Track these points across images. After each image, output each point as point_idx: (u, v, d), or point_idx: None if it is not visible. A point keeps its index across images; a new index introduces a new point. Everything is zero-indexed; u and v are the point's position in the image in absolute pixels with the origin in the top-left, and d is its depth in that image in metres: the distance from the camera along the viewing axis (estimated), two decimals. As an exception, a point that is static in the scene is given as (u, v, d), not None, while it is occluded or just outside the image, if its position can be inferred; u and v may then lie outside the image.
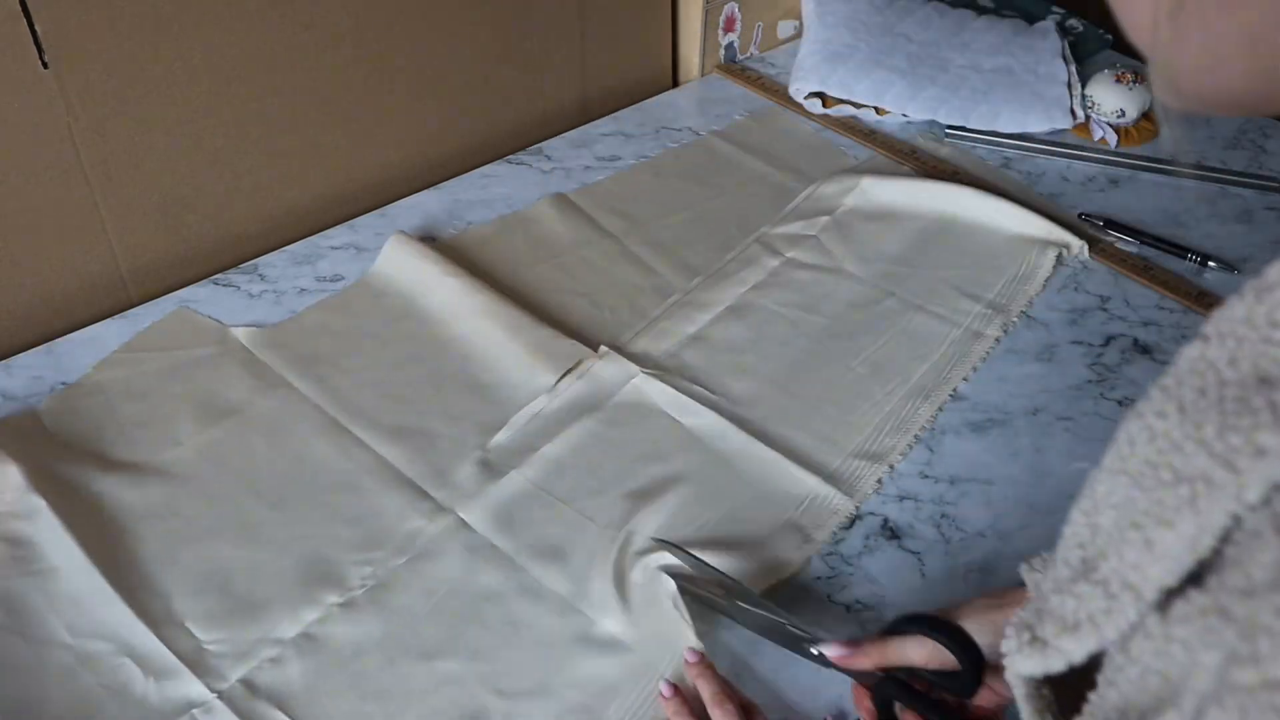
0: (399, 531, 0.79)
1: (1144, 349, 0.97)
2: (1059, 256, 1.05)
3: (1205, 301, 1.01)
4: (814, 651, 0.66)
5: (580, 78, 1.23)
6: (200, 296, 0.97)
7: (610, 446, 0.85)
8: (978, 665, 0.61)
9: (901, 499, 0.83)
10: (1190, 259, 1.06)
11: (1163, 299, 1.02)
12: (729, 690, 0.66)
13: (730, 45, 1.32)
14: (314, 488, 0.81)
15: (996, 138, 1.21)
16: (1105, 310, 1.01)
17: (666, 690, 0.68)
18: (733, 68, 1.32)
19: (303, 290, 0.99)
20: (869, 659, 0.64)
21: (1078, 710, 0.39)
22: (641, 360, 0.92)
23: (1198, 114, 0.36)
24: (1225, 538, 0.33)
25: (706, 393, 0.90)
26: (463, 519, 0.79)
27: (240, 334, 0.93)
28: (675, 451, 0.85)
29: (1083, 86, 1.24)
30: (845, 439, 0.87)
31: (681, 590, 0.71)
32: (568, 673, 0.71)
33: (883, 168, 1.17)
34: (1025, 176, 1.18)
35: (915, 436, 0.88)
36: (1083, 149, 1.20)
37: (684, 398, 0.89)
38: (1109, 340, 0.98)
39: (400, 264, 0.99)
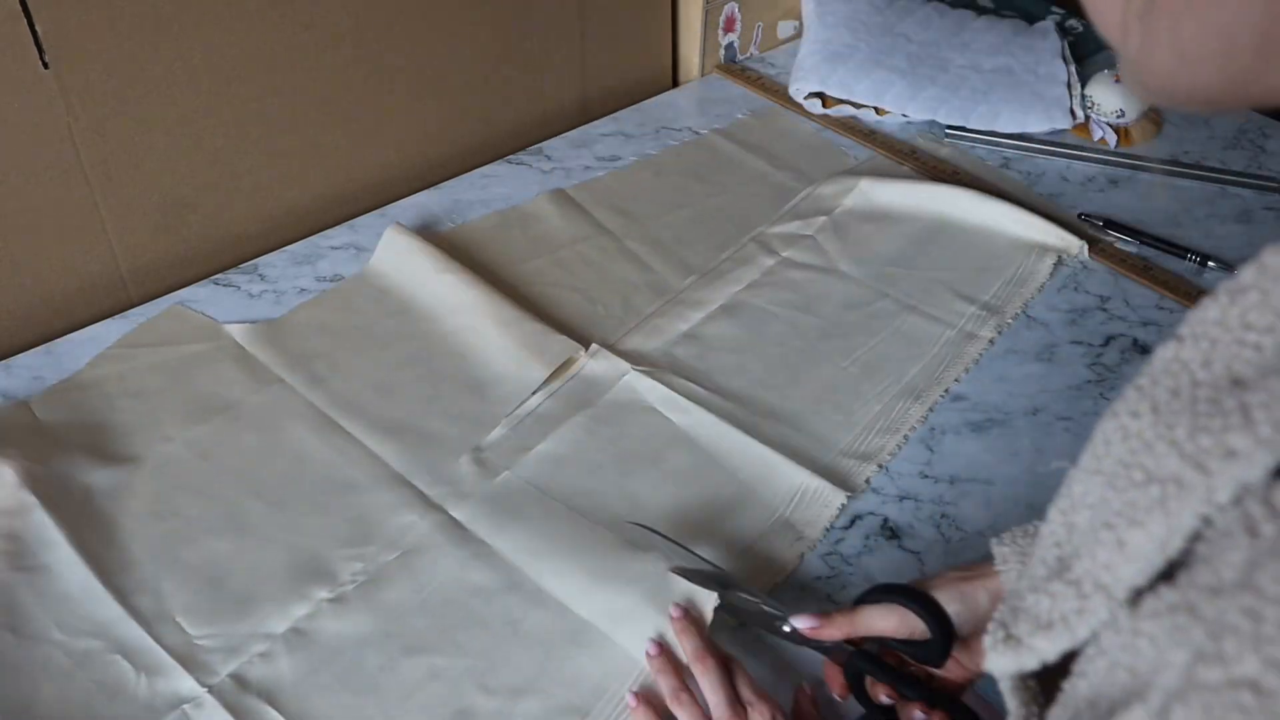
0: (390, 528, 0.79)
1: (1144, 349, 0.97)
2: (1058, 260, 1.05)
3: (1204, 302, 1.01)
4: (786, 629, 0.67)
5: (580, 78, 1.23)
6: (200, 296, 0.98)
7: (602, 444, 0.86)
8: (947, 633, 0.62)
9: (901, 499, 0.83)
10: (1190, 259, 1.06)
11: (1162, 299, 1.02)
12: (710, 646, 0.67)
13: (730, 45, 1.32)
14: (306, 484, 0.82)
15: (996, 138, 1.21)
16: (1105, 310, 1.01)
17: (652, 649, 0.68)
18: (733, 68, 1.32)
19: (303, 290, 0.99)
20: (839, 629, 0.65)
21: None
22: (634, 357, 0.93)
23: (1168, 108, 0.36)
24: (1196, 536, 0.33)
25: (698, 389, 0.90)
26: (454, 516, 0.80)
27: (234, 330, 0.93)
28: (666, 449, 0.85)
29: (1082, 86, 1.24)
30: (836, 438, 0.87)
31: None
32: (556, 670, 0.71)
33: (882, 168, 1.17)
34: (1025, 176, 1.17)
35: (905, 436, 0.88)
36: (1082, 149, 1.20)
37: (675, 395, 0.89)
38: (1109, 340, 0.98)
39: (395, 260, 1.00)
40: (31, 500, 0.76)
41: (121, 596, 0.73)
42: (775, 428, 0.87)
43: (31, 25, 0.84)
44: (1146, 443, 0.36)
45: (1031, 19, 1.33)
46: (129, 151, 0.93)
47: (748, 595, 0.70)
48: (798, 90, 1.25)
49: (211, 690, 0.69)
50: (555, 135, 1.20)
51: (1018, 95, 1.22)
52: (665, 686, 0.67)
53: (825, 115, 1.24)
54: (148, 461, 0.82)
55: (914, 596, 0.63)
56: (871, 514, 0.82)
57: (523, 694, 0.70)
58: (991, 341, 0.96)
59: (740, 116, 1.24)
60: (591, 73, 1.23)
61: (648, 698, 0.68)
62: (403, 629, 0.73)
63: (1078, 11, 1.39)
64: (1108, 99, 1.20)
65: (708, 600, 0.69)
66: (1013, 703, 0.44)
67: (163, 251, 0.99)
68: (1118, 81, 1.20)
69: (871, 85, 1.23)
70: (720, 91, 1.29)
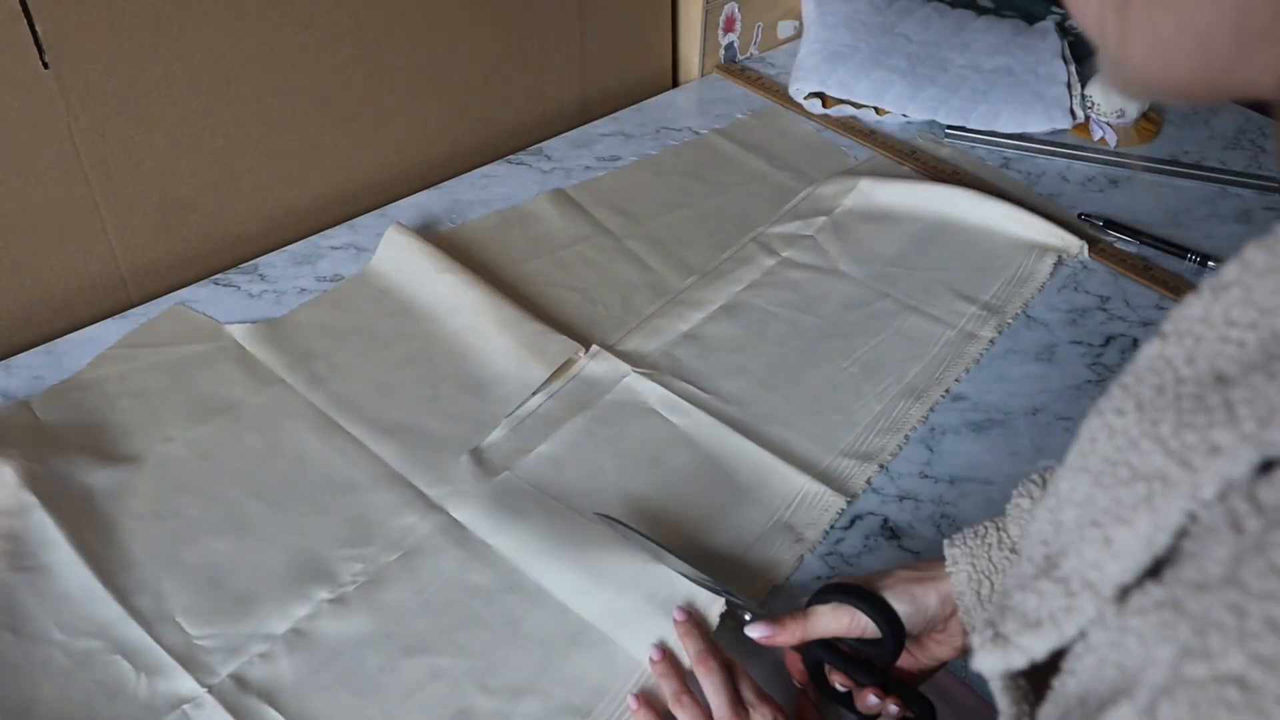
0: (390, 528, 0.79)
1: (1142, 349, 0.97)
2: (1058, 260, 1.05)
3: (1204, 302, 1.01)
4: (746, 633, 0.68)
5: (580, 78, 1.23)
6: (200, 296, 0.98)
7: (602, 445, 0.86)
8: (897, 632, 0.64)
9: (901, 499, 0.83)
10: (1190, 259, 1.06)
11: (1162, 299, 1.02)
12: (714, 649, 0.67)
13: (730, 45, 1.32)
14: (306, 484, 0.82)
15: (996, 138, 1.21)
16: (1105, 310, 1.01)
17: (655, 654, 0.69)
18: (733, 68, 1.32)
19: (303, 290, 0.99)
20: (791, 635, 0.67)
21: None
22: (634, 358, 0.93)
23: (1146, 100, 0.37)
24: (1182, 533, 0.33)
25: (698, 391, 0.90)
26: (455, 517, 0.80)
27: (235, 331, 0.93)
28: (666, 450, 0.85)
29: (1082, 86, 1.24)
30: (836, 438, 0.87)
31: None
32: (557, 671, 0.71)
33: (882, 168, 1.17)
34: (1025, 176, 1.17)
35: (906, 436, 0.88)
36: (1082, 149, 1.20)
37: (675, 397, 0.89)
38: (1109, 340, 0.98)
39: (396, 259, 1.00)
40: (32, 500, 0.76)
41: (122, 596, 0.73)
42: (775, 429, 0.87)
43: (31, 25, 0.84)
44: (1132, 440, 0.36)
45: (1031, 19, 1.33)
46: (129, 151, 0.93)
47: (711, 589, 0.71)
48: (798, 90, 1.25)
49: (211, 690, 0.69)
50: (555, 135, 1.20)
51: (1018, 95, 1.22)
52: (667, 690, 0.67)
53: (825, 115, 1.24)
54: (148, 461, 0.82)
55: (864, 597, 0.64)
56: (872, 514, 0.82)
57: (523, 694, 0.70)
58: (992, 341, 0.96)
59: (740, 116, 1.25)
60: (591, 73, 1.23)
61: (649, 700, 0.68)
62: (403, 629, 0.73)
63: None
64: (1108, 99, 1.20)
65: (712, 603, 0.69)
66: (1003, 701, 0.44)
67: (163, 251, 0.99)
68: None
69: (871, 85, 1.23)
70: (720, 91, 1.29)
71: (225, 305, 0.97)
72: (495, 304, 0.95)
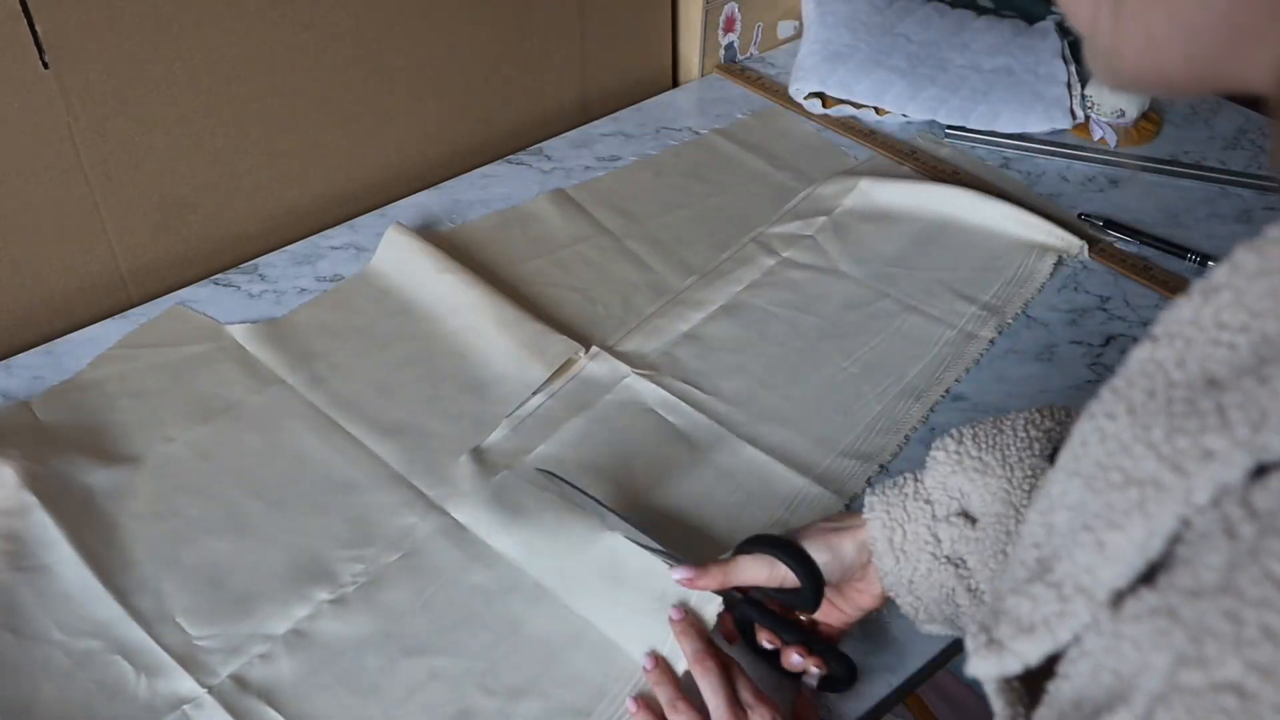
0: (391, 528, 0.79)
1: (1142, 349, 0.97)
2: (1058, 260, 1.05)
3: (1204, 302, 1.01)
4: (675, 578, 0.70)
5: (580, 78, 1.23)
6: (200, 296, 0.98)
7: (601, 445, 0.86)
8: (816, 581, 0.66)
9: (897, 499, 0.83)
10: (1190, 259, 1.06)
11: (1162, 299, 1.02)
12: (711, 649, 0.67)
13: (730, 45, 1.32)
14: (306, 484, 0.82)
15: (996, 138, 1.21)
16: (1105, 310, 1.01)
17: (649, 663, 0.69)
18: (733, 68, 1.32)
19: (303, 290, 0.99)
20: (713, 580, 0.68)
21: None
22: (634, 358, 0.93)
23: (1133, 94, 0.38)
24: (1176, 538, 0.33)
25: (697, 392, 0.90)
26: (455, 517, 0.80)
27: (235, 331, 0.93)
28: (666, 451, 0.85)
29: (1083, 86, 1.24)
30: (836, 438, 0.87)
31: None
32: (557, 671, 0.71)
33: (882, 168, 1.17)
34: (1025, 176, 1.17)
35: (906, 437, 0.88)
36: (1082, 149, 1.20)
37: (674, 398, 0.89)
38: (1109, 340, 0.98)
39: (396, 260, 1.00)
40: (32, 500, 0.76)
41: (122, 597, 0.73)
42: (775, 430, 0.87)
43: (31, 25, 0.84)
44: (1124, 444, 0.36)
45: (1031, 19, 1.33)
46: (129, 151, 0.93)
47: (642, 542, 0.73)
48: (798, 90, 1.25)
49: (212, 691, 0.69)
50: (555, 135, 1.20)
51: (1018, 95, 1.22)
52: (663, 697, 0.67)
53: (825, 115, 1.24)
54: (148, 462, 0.82)
55: (784, 548, 0.67)
56: (872, 514, 0.82)
57: (523, 695, 0.70)
58: (992, 341, 0.96)
59: (740, 116, 1.24)
60: (591, 73, 1.23)
61: (648, 702, 0.68)
62: (403, 630, 0.73)
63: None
64: (1108, 99, 1.20)
65: (709, 603, 0.69)
66: (998, 704, 0.44)
67: (163, 251, 0.99)
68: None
69: (871, 85, 1.23)
70: (720, 91, 1.29)
71: (225, 305, 0.97)
72: (495, 304, 0.95)
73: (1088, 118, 1.22)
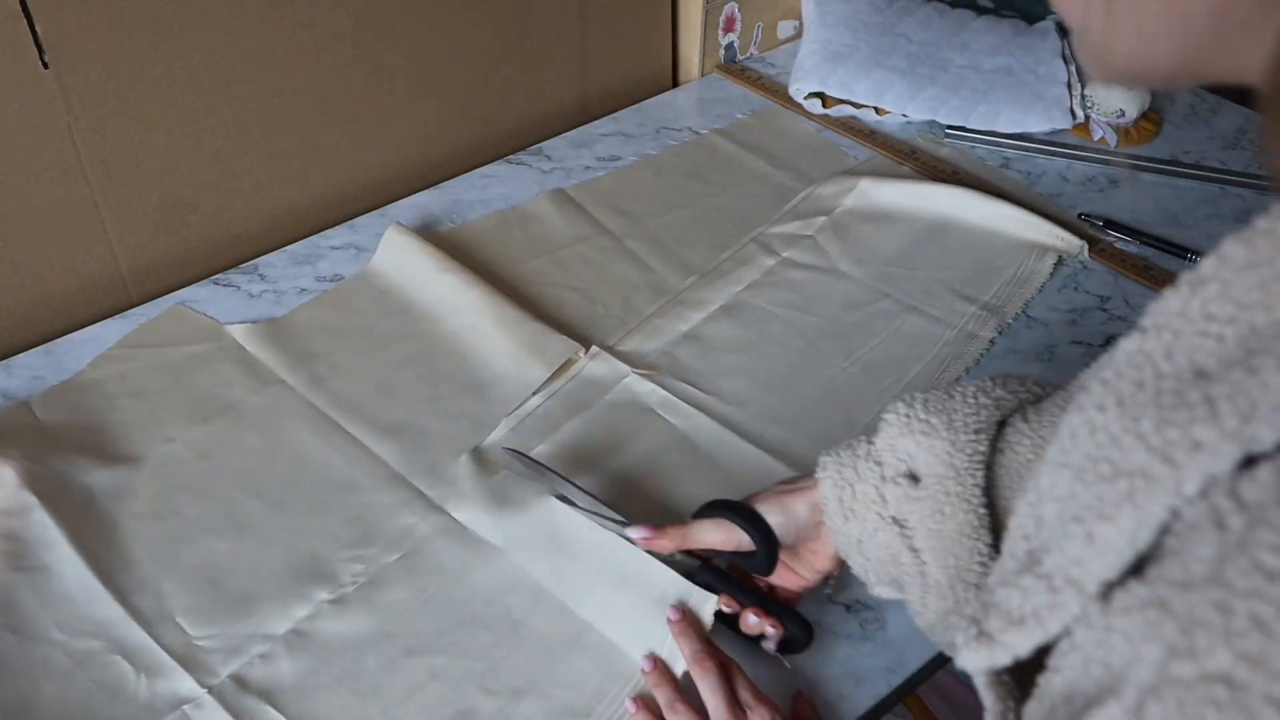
0: (391, 528, 0.79)
1: (1141, 349, 0.97)
2: (1058, 260, 1.05)
3: (1204, 302, 1.01)
4: (630, 538, 0.71)
5: (580, 78, 1.23)
6: (200, 296, 0.98)
7: (601, 446, 0.86)
8: (770, 543, 0.68)
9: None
10: (1190, 259, 1.06)
11: (1162, 299, 1.02)
12: (710, 649, 0.67)
13: (730, 45, 1.32)
14: (306, 484, 0.82)
15: (996, 138, 1.21)
16: (1105, 310, 1.01)
17: (647, 664, 0.69)
18: (733, 68, 1.32)
19: (303, 290, 0.99)
20: (670, 542, 0.70)
21: None
22: (634, 358, 0.93)
23: (1125, 84, 0.38)
24: (1165, 530, 0.33)
25: (698, 393, 0.90)
26: (455, 517, 0.80)
27: (235, 331, 0.93)
28: (665, 452, 0.85)
29: (1082, 86, 1.23)
30: (836, 438, 0.86)
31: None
32: (557, 672, 0.71)
33: (882, 168, 1.17)
34: (1025, 176, 1.17)
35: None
36: (1082, 149, 1.20)
37: (674, 398, 0.89)
38: (1109, 340, 0.98)
39: (396, 260, 1.00)
40: (32, 500, 0.76)
41: (122, 597, 0.73)
42: (775, 430, 0.87)
43: (31, 25, 0.84)
44: (1113, 436, 0.36)
45: (1031, 19, 1.33)
46: (129, 151, 0.93)
47: (600, 511, 0.74)
48: (798, 90, 1.25)
49: (212, 691, 0.69)
50: (555, 135, 1.20)
51: (1018, 95, 1.22)
52: (661, 699, 0.67)
53: (825, 115, 1.24)
54: (148, 462, 0.82)
55: (739, 511, 0.68)
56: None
57: (523, 695, 0.70)
58: (992, 341, 0.96)
59: (740, 116, 1.25)
60: (591, 73, 1.23)
61: (647, 703, 0.68)
62: (403, 630, 0.73)
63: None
64: (1108, 99, 1.20)
65: (707, 603, 0.69)
66: (989, 698, 0.44)
67: (163, 251, 0.99)
68: (1118, 81, 1.20)
69: (871, 85, 1.23)
70: (720, 91, 1.29)
71: (225, 305, 0.97)
72: (495, 304, 0.95)
73: (1088, 118, 1.22)
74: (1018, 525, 0.42)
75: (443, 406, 0.88)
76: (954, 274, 1.03)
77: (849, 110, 1.24)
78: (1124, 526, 0.34)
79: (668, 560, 0.71)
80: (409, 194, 1.11)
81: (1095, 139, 1.21)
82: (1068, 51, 1.27)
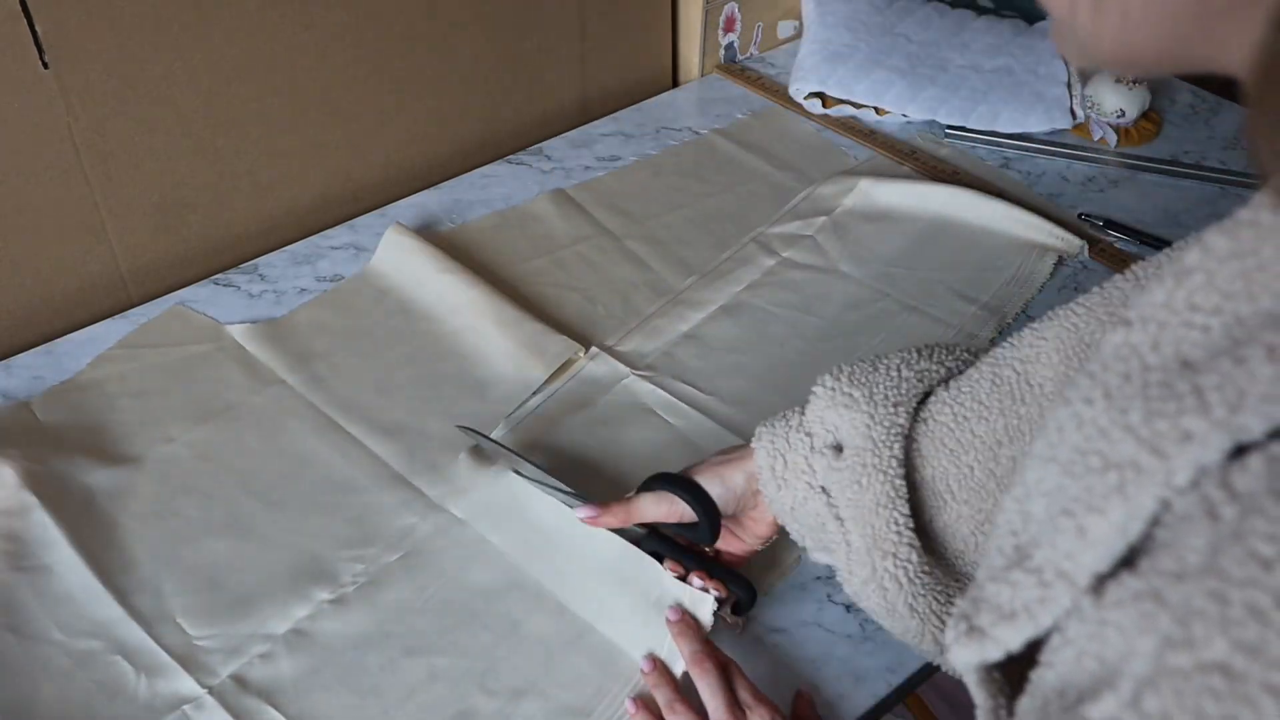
0: (391, 528, 0.79)
1: (1141, 349, 0.96)
2: (1059, 260, 1.05)
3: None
4: (579, 519, 0.73)
5: (580, 78, 1.23)
6: (200, 296, 0.98)
7: (601, 446, 0.86)
8: (712, 513, 0.70)
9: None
10: (1190, 259, 1.06)
11: (1162, 299, 1.02)
12: (709, 649, 0.67)
13: (730, 45, 1.32)
14: (307, 484, 0.82)
15: (996, 138, 1.21)
16: (1104, 310, 1.01)
17: (646, 665, 0.69)
18: (733, 68, 1.32)
19: (303, 290, 0.99)
20: (615, 518, 0.72)
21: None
22: (634, 358, 0.93)
23: (1108, 71, 0.38)
24: (1155, 521, 0.33)
25: (697, 393, 0.90)
26: (456, 516, 0.80)
27: (235, 331, 0.93)
28: (665, 452, 0.85)
29: (1083, 86, 1.23)
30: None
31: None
32: (557, 672, 0.71)
33: (882, 168, 1.17)
34: (1025, 176, 1.17)
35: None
36: (1082, 149, 1.20)
37: (673, 399, 0.89)
38: (1107, 340, 0.98)
39: (396, 260, 1.00)
40: (32, 500, 0.76)
41: (122, 597, 0.73)
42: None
43: (31, 25, 0.84)
44: (1101, 429, 0.36)
45: (1031, 19, 1.33)
46: (129, 151, 0.93)
47: (552, 488, 0.75)
48: (798, 90, 1.25)
49: (212, 691, 0.69)
50: (555, 135, 1.20)
51: (1018, 95, 1.22)
52: (661, 699, 0.67)
53: (825, 115, 1.24)
54: (148, 462, 0.82)
55: (678, 483, 0.70)
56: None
57: (523, 695, 0.70)
58: (992, 342, 0.96)
59: (740, 116, 1.25)
60: (591, 73, 1.23)
61: (647, 703, 0.68)
62: (403, 630, 0.73)
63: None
64: (1108, 99, 1.20)
65: (705, 603, 0.69)
66: (980, 695, 0.44)
67: (163, 251, 0.99)
68: (1118, 81, 1.20)
69: (871, 85, 1.23)
70: (720, 91, 1.29)
71: (225, 305, 0.97)
72: (495, 304, 0.95)
73: (1088, 118, 1.22)
74: (1004, 521, 0.41)
75: (443, 406, 0.88)
76: (954, 274, 1.03)
77: (849, 110, 1.24)
78: (1114, 518, 0.34)
79: (616, 529, 0.73)
80: (409, 194, 1.11)
81: (1095, 139, 1.21)
82: (1068, 51, 1.27)
